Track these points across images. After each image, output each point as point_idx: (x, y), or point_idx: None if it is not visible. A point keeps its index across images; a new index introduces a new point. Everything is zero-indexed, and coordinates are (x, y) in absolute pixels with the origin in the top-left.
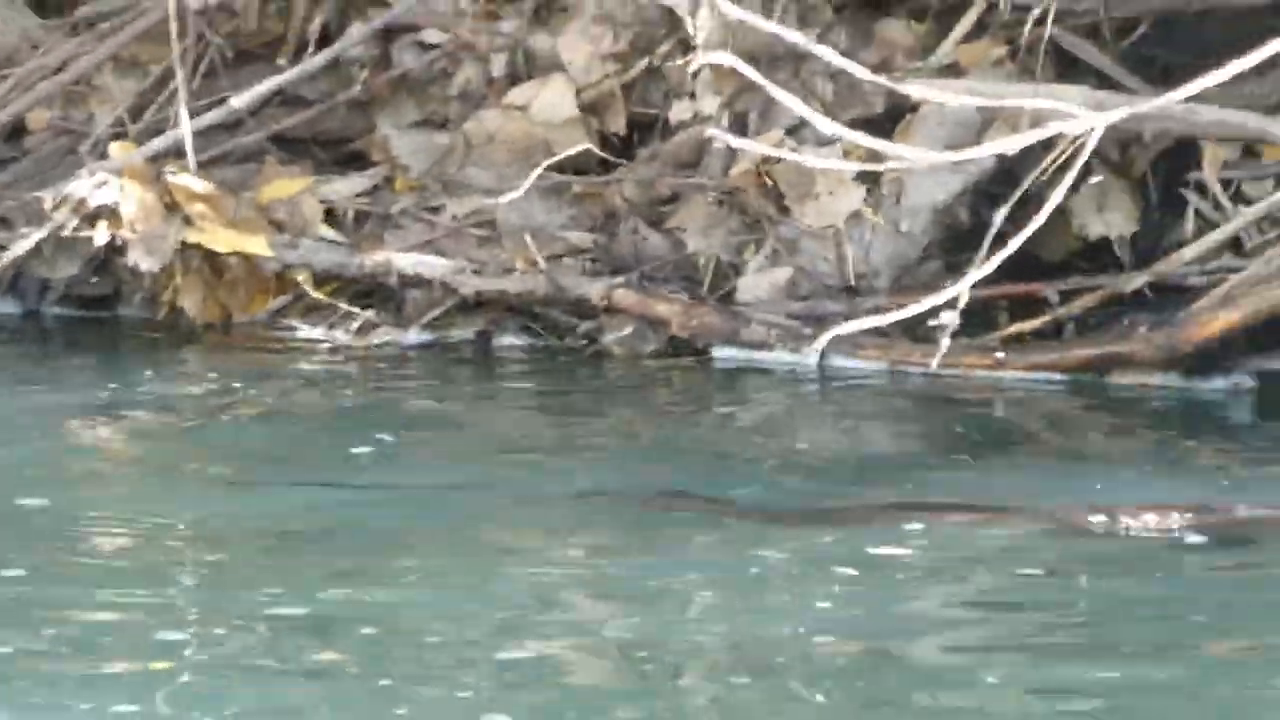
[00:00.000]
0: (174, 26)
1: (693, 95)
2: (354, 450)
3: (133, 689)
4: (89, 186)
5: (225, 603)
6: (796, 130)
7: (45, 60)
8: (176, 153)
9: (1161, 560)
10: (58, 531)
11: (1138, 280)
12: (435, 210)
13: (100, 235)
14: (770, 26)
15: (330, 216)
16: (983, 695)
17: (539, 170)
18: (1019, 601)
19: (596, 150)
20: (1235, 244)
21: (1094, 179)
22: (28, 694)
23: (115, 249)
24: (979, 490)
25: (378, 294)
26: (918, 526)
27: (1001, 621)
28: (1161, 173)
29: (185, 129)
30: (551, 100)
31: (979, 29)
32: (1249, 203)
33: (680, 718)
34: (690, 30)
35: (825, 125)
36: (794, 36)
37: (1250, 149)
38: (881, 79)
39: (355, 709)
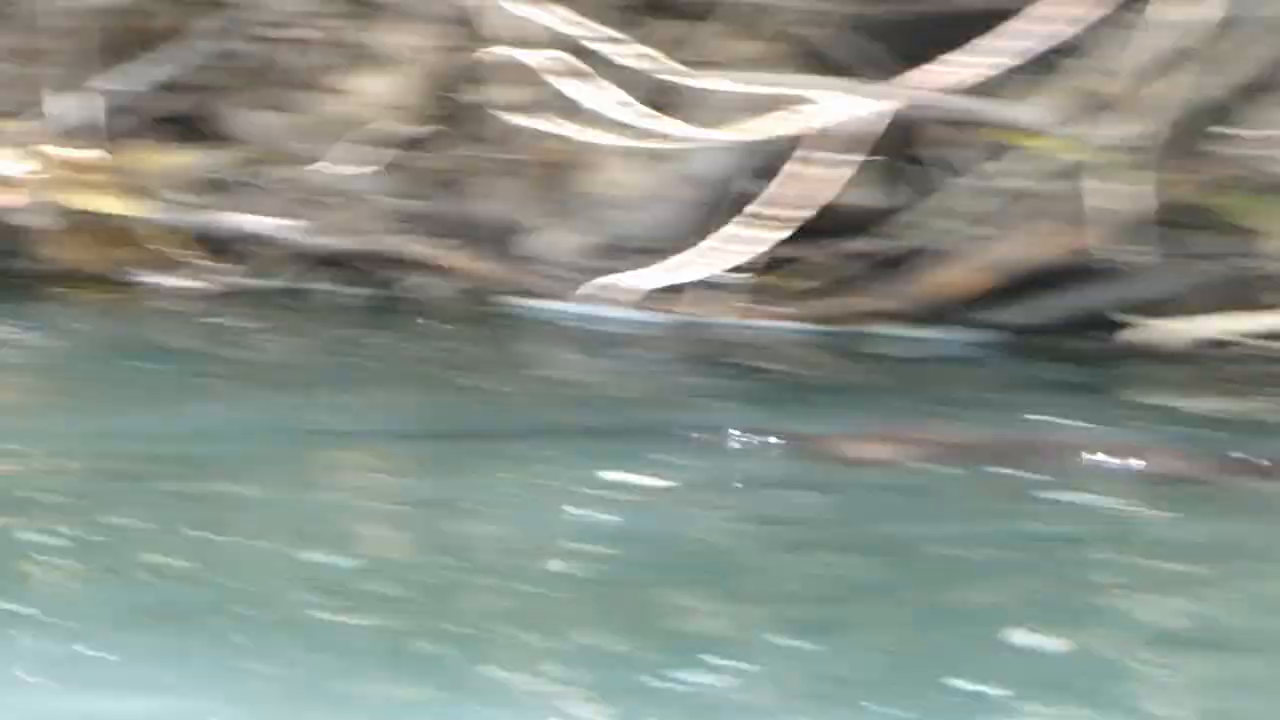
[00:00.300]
0: (57, 20)
1: (498, 83)
2: (196, 381)
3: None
4: None
5: (74, 510)
6: (591, 111)
7: None
8: (60, 128)
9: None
10: None
11: (885, 244)
12: (276, 179)
13: None
14: (562, 18)
15: (189, 183)
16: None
17: (364, 144)
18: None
19: (415, 128)
20: (969, 213)
21: (846, 155)
22: None
23: (9, 210)
24: (723, 422)
25: (229, 248)
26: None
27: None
28: (904, 149)
29: (71, 106)
30: (374, 87)
31: (744, 26)
32: (980, 176)
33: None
34: (493, 28)
35: (610, 105)
36: (584, 26)
37: (982, 129)
38: (666, 70)
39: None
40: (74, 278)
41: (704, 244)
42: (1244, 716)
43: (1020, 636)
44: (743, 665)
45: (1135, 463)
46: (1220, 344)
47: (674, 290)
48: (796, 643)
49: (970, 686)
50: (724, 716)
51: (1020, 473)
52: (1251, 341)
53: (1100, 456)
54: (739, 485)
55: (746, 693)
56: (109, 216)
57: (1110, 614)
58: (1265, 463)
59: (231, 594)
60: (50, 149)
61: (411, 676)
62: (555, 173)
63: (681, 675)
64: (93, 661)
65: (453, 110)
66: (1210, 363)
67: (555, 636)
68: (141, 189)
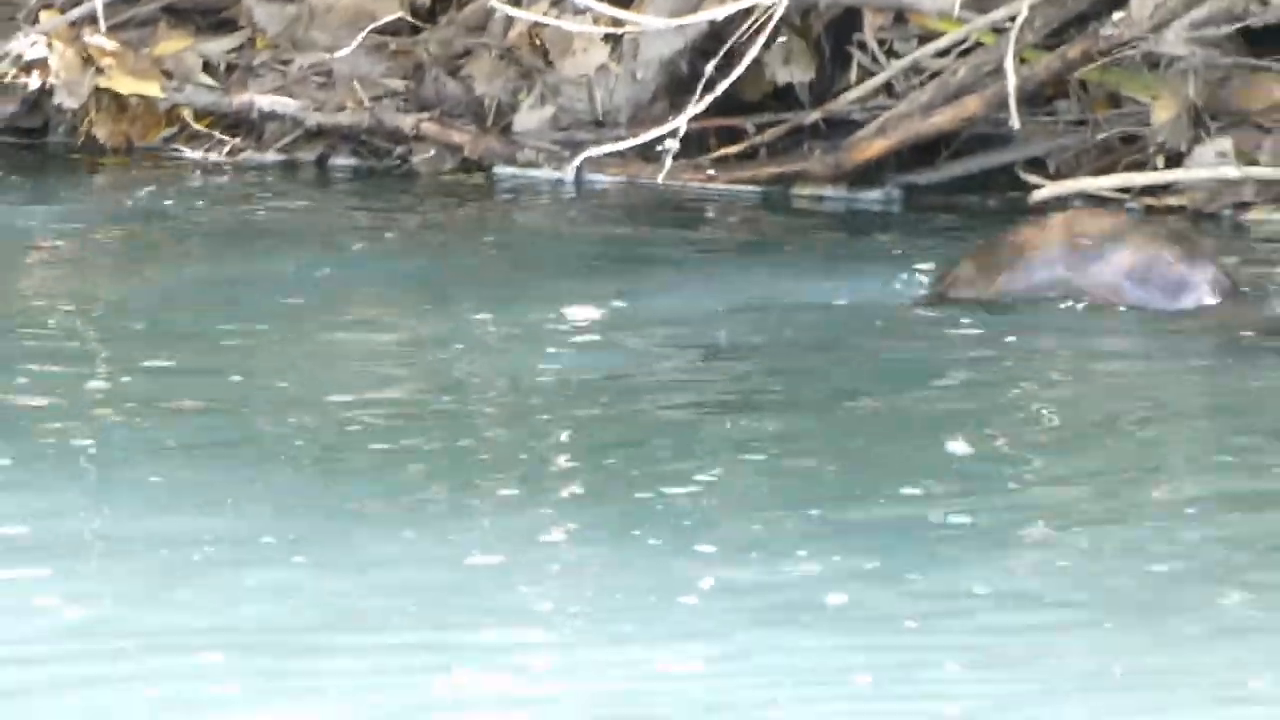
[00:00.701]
0: None
1: None
2: (214, 241)
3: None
4: (25, 45)
5: (116, 359)
6: (559, 2)
7: None
8: (91, 19)
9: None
10: None
11: (814, 115)
12: (286, 63)
13: (33, 82)
14: None
15: (207, 67)
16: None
17: (365, 32)
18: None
19: (408, 17)
20: (888, 88)
21: (781, 39)
22: None
23: (45, 92)
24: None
25: (243, 126)
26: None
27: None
28: (832, 34)
29: (98, 1)
30: None
31: None
32: (898, 56)
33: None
34: None
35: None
36: None
37: (900, 16)
38: None
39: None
40: (102, 151)
41: (663, 117)
42: (1134, 493)
43: (958, 446)
44: (711, 476)
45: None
46: (1099, 199)
47: (630, 156)
48: (758, 460)
49: (915, 491)
50: (698, 520)
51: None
52: (1123, 196)
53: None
54: (701, 321)
55: (719, 499)
56: (131, 97)
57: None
58: None
59: (256, 428)
60: (85, 36)
61: (420, 488)
62: (534, 56)
63: (661, 487)
64: (138, 487)
65: (446, 2)
66: (1081, 212)
67: (548, 457)
68: (167, 72)
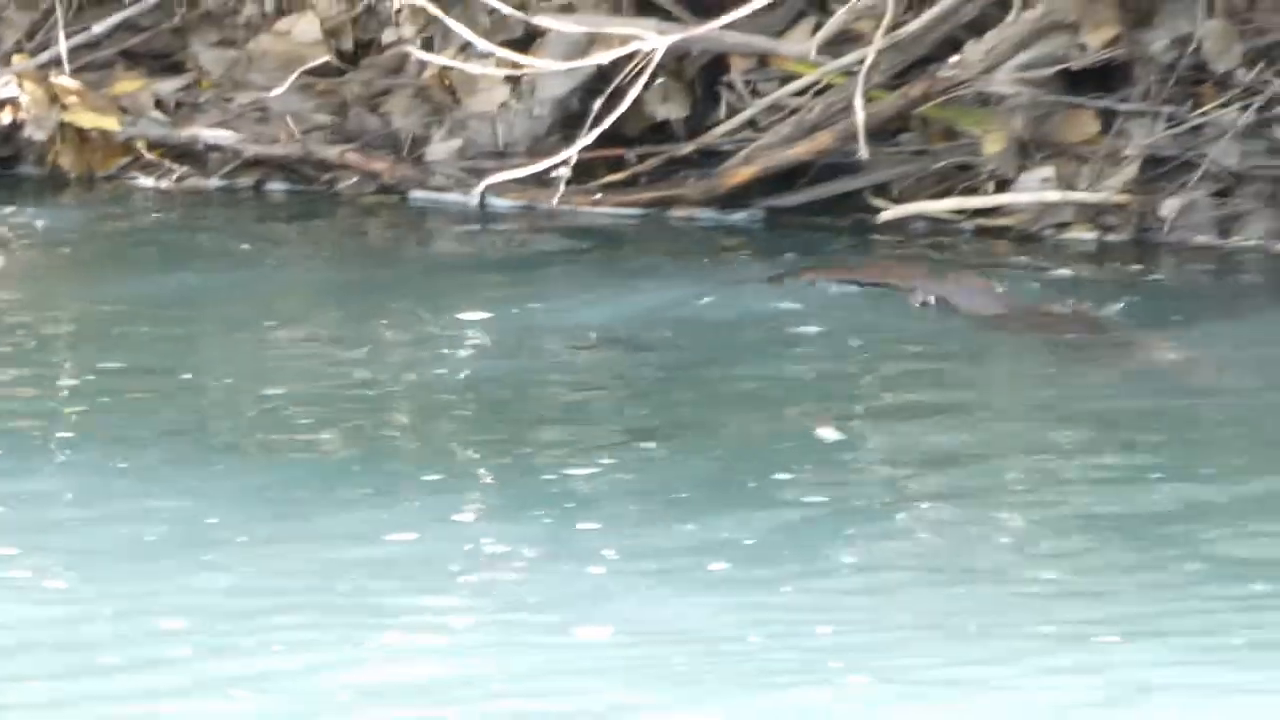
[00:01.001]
0: None
1: (397, 25)
2: (173, 259)
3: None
4: None
5: (75, 358)
6: (466, 47)
7: None
8: (56, 62)
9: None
10: None
11: (688, 147)
12: (228, 101)
13: (5, 117)
14: None
15: (158, 104)
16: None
17: (296, 74)
18: None
19: (335, 61)
20: (753, 123)
21: (659, 80)
22: None
23: (16, 126)
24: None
25: (189, 156)
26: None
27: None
28: (703, 76)
29: (63, 47)
30: (304, 28)
31: None
32: (762, 96)
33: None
34: None
35: (482, 45)
36: None
37: (763, 60)
38: (522, 14)
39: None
40: (66, 178)
41: (557, 148)
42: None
43: (819, 427)
44: (597, 468)
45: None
46: (936, 220)
47: (528, 182)
48: (647, 446)
49: (782, 468)
50: (593, 500)
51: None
52: (962, 219)
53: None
54: (582, 320)
55: (610, 481)
56: (92, 130)
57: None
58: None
59: (199, 418)
60: (52, 77)
61: (341, 471)
62: (444, 95)
63: (560, 471)
64: (96, 471)
65: (366, 46)
66: (913, 233)
67: (453, 445)
68: (123, 108)
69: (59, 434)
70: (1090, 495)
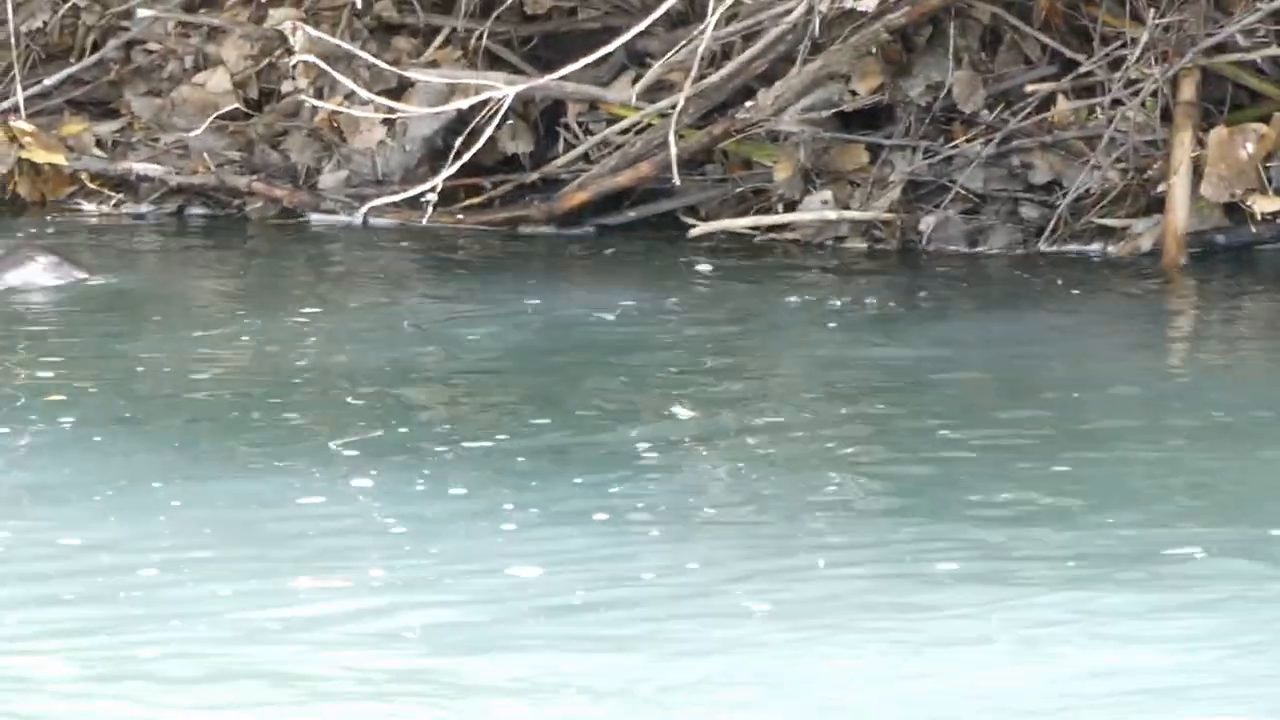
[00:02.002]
0: (12, 40)
1: (293, 78)
2: (111, 269)
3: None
4: None
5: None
6: (351, 95)
7: None
8: (14, 110)
9: None
10: None
11: (533, 176)
12: (155, 140)
13: None
14: (334, 40)
15: (99, 143)
16: None
17: (211, 118)
18: None
19: (242, 108)
20: (586, 156)
21: (509, 121)
22: None
23: None
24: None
25: (124, 185)
26: None
27: None
28: (546, 117)
29: (20, 96)
30: (217, 81)
31: (445, 42)
32: (593, 134)
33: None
34: (292, 42)
35: (363, 94)
36: (347, 46)
37: (594, 105)
38: (395, 68)
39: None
40: (24, 204)
41: (426, 178)
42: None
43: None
44: (463, 437)
45: None
46: (737, 234)
47: (402, 205)
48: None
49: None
50: (472, 464)
51: None
52: (758, 234)
53: None
54: (452, 318)
55: (488, 450)
56: (45, 164)
57: None
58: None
59: (135, 406)
60: (10, 121)
61: (257, 445)
62: (332, 134)
63: (445, 444)
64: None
65: (268, 95)
66: (719, 245)
67: (357, 422)
68: (70, 146)
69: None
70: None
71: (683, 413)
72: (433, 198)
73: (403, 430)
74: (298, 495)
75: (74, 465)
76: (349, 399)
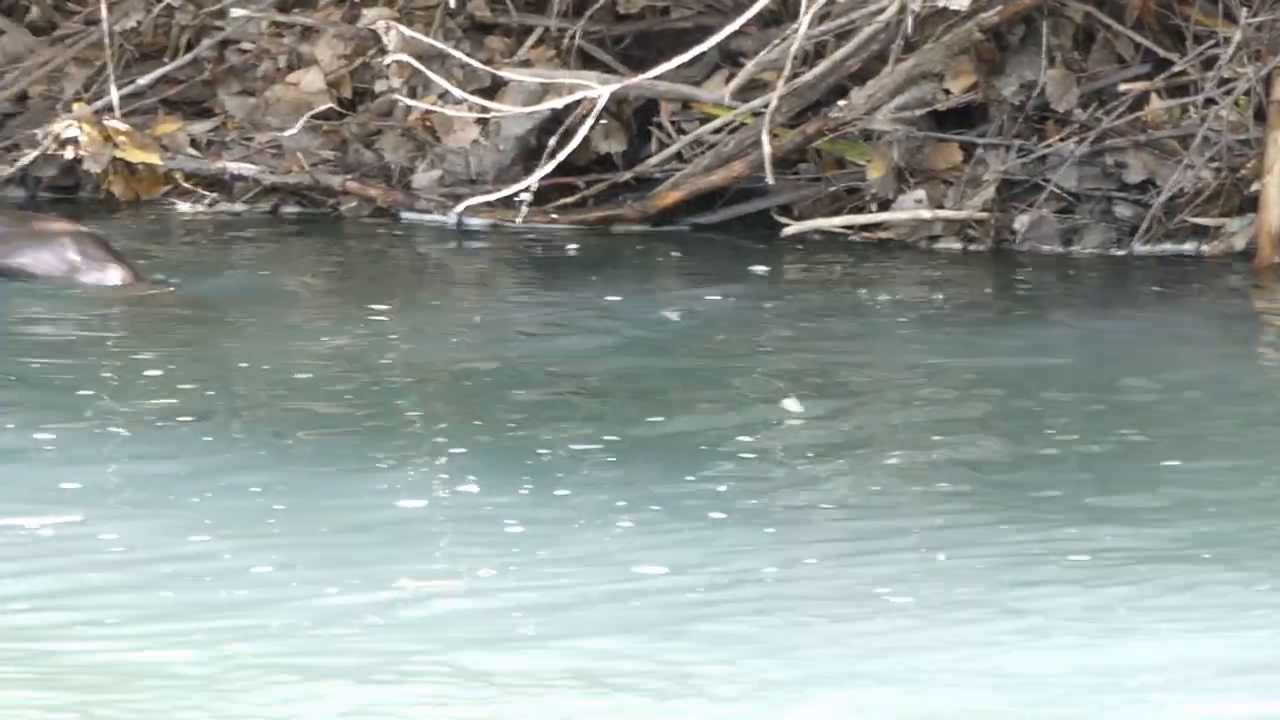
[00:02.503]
0: (107, 40)
1: (387, 77)
2: (209, 268)
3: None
4: (62, 126)
5: (122, 352)
6: (445, 95)
7: (37, 59)
8: (109, 108)
9: None
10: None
11: (626, 175)
12: (249, 139)
13: (68, 153)
14: (428, 40)
15: (193, 142)
16: None
17: (305, 117)
18: None
19: (336, 107)
20: (679, 155)
21: (602, 121)
22: None
23: (76, 161)
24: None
25: (218, 184)
26: None
27: None
28: (639, 117)
29: (114, 96)
30: (311, 80)
31: (539, 42)
32: (686, 133)
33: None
34: (385, 42)
35: (457, 93)
36: (440, 45)
37: (686, 104)
38: (489, 68)
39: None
40: (118, 204)
41: (520, 177)
42: None
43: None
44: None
45: None
46: (830, 233)
47: (496, 205)
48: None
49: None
50: (575, 471)
51: None
52: (851, 233)
53: None
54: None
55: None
56: (139, 164)
57: None
58: None
59: (234, 404)
60: (105, 121)
61: (350, 448)
62: (426, 134)
63: (530, 446)
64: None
65: (362, 94)
66: (812, 244)
67: (447, 425)
68: (164, 146)
69: (107, 421)
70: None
71: (782, 411)
72: (527, 197)
73: (503, 430)
74: (399, 495)
75: (175, 465)
76: (448, 398)
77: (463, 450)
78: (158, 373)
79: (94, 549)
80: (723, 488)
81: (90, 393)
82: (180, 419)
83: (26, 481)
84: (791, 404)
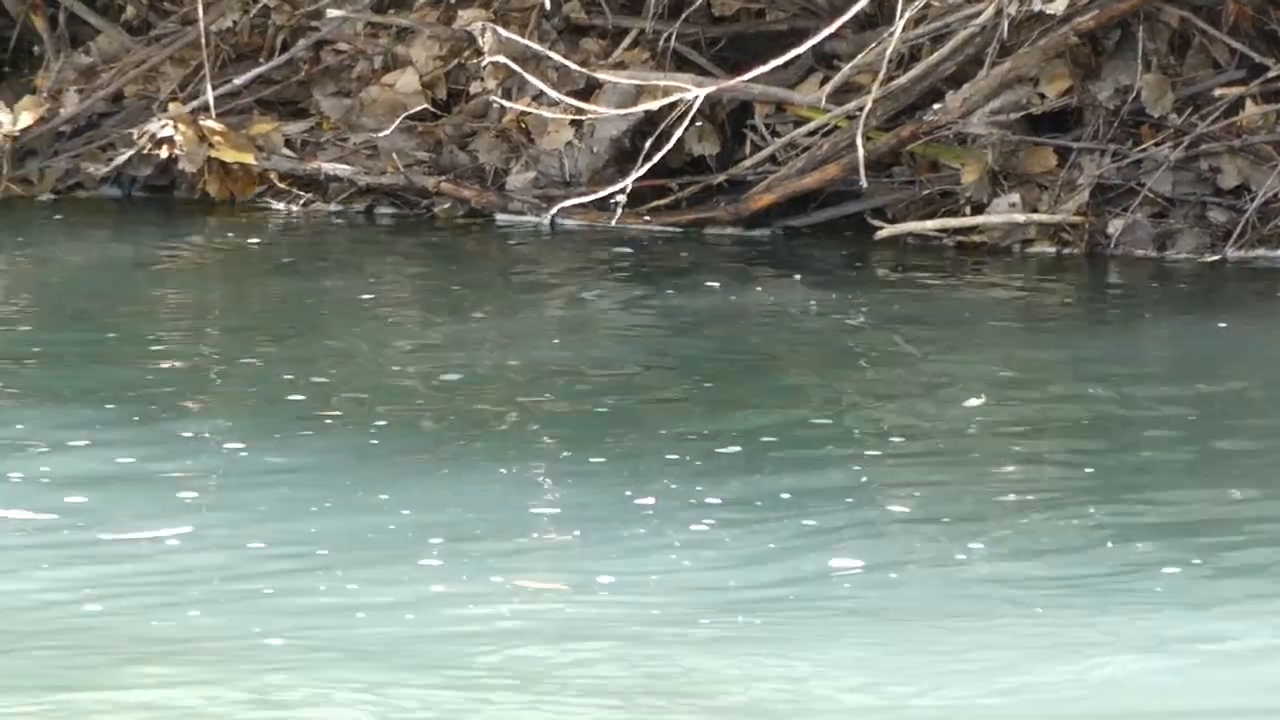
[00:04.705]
0: (203, 40)
1: (482, 79)
2: (301, 271)
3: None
4: (158, 126)
5: (225, 349)
6: (539, 96)
7: (133, 59)
8: (204, 109)
9: None
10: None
11: (720, 177)
12: (344, 140)
13: (163, 153)
14: (523, 42)
15: (288, 143)
16: None
17: (400, 118)
18: None
19: (431, 108)
20: (773, 158)
21: (696, 123)
22: None
23: (171, 160)
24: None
25: (313, 185)
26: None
27: None
28: (732, 119)
29: (210, 96)
30: (406, 81)
31: (634, 44)
32: (780, 135)
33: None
34: (481, 43)
35: (551, 94)
36: (536, 47)
37: (780, 106)
38: (583, 69)
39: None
40: (212, 203)
41: (613, 179)
42: None
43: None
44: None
45: None
46: (923, 236)
47: (590, 207)
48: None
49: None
50: (668, 468)
51: None
52: (945, 237)
53: None
54: (639, 313)
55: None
56: (234, 164)
57: None
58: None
59: (334, 399)
60: (200, 121)
61: (442, 443)
62: (520, 135)
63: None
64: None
65: (457, 95)
66: (905, 248)
67: (537, 424)
68: (259, 146)
69: (218, 409)
70: None
71: (872, 412)
72: (621, 199)
73: (593, 430)
74: (495, 495)
75: (274, 465)
76: (539, 398)
77: (550, 451)
78: (252, 373)
79: (214, 542)
80: (819, 491)
81: (183, 394)
82: (274, 421)
83: (148, 482)
84: (872, 409)
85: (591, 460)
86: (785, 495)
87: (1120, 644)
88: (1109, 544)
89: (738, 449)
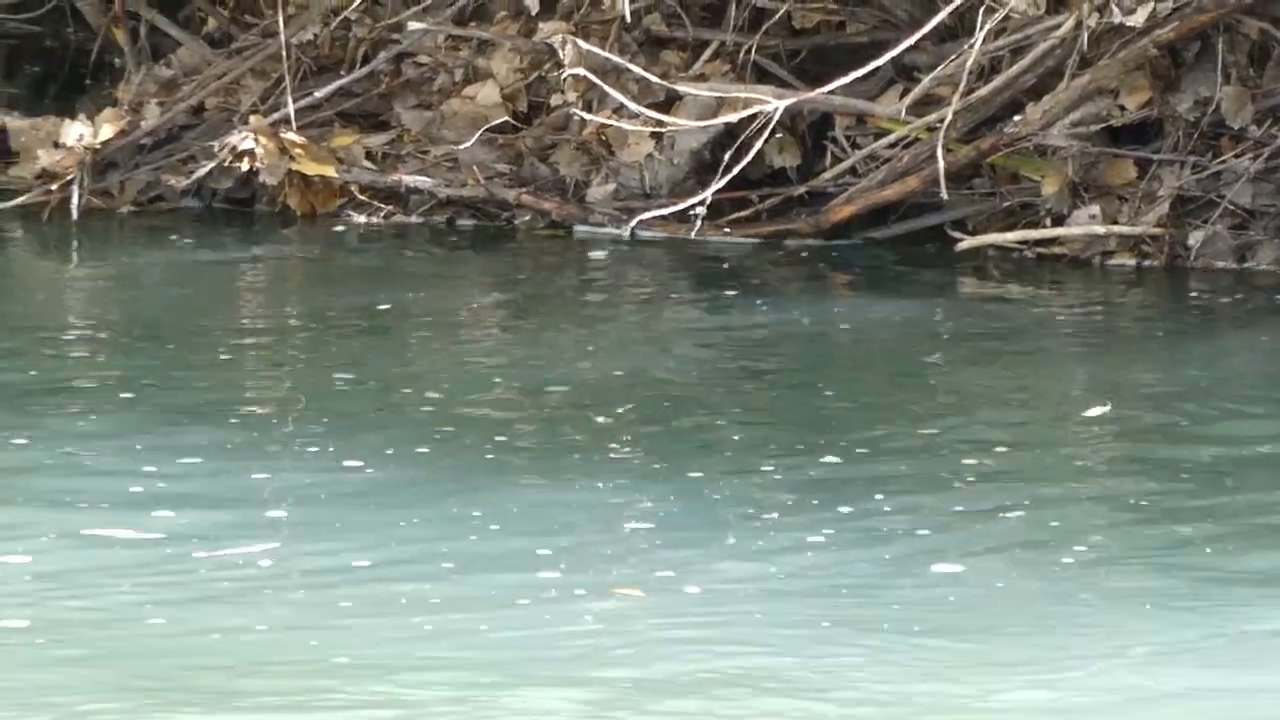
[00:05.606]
0: (284, 53)
1: (563, 91)
2: (384, 279)
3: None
4: (238, 139)
5: (300, 358)
6: (620, 109)
7: (214, 71)
8: (285, 121)
9: None
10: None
11: (800, 189)
12: (425, 152)
13: (244, 165)
14: (604, 54)
15: (369, 155)
16: None
17: (481, 130)
18: None
19: (512, 120)
20: (853, 170)
21: (776, 135)
22: None
23: (252, 173)
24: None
25: (394, 197)
26: None
27: None
28: (813, 131)
29: (290, 109)
30: (487, 93)
31: (714, 56)
32: (860, 147)
33: None
34: (562, 56)
35: (632, 106)
36: (616, 59)
37: (861, 119)
38: (664, 81)
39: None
40: (293, 216)
41: (694, 191)
42: None
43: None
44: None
45: None
46: (1003, 248)
47: (670, 219)
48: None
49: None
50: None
51: None
52: (1025, 249)
53: None
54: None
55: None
56: (315, 176)
57: None
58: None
59: (410, 410)
60: (282, 133)
61: (520, 456)
62: (600, 147)
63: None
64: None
65: (537, 108)
66: (985, 259)
67: (601, 438)
68: (340, 158)
69: (289, 420)
70: None
71: (952, 425)
72: (701, 211)
73: (669, 444)
74: (575, 510)
75: (361, 476)
76: (618, 411)
77: (630, 466)
78: (334, 385)
79: (308, 555)
80: (913, 503)
81: (273, 408)
82: (358, 433)
83: (240, 499)
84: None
85: (689, 475)
86: (877, 507)
87: (1226, 654)
88: (1207, 549)
89: (828, 460)
